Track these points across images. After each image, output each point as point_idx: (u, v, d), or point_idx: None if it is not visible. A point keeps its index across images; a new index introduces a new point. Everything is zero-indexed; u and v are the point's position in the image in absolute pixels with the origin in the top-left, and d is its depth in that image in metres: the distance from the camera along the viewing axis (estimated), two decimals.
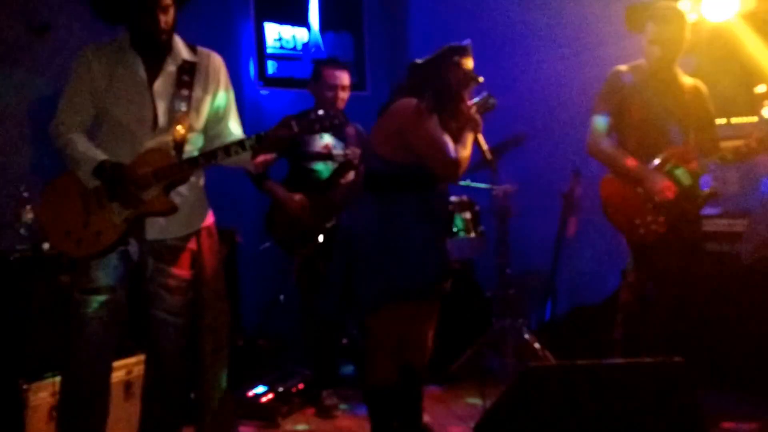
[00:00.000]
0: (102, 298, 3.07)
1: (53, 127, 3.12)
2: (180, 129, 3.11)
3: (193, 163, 3.11)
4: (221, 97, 3.28)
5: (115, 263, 3.10)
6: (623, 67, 3.85)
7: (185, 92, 3.13)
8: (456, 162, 3.30)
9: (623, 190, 3.77)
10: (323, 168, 4.52)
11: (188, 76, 3.15)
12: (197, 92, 3.18)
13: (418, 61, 3.48)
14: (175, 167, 3.07)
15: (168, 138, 3.11)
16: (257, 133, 3.09)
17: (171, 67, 3.14)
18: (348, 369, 5.03)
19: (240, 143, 3.09)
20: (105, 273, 3.08)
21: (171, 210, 3.11)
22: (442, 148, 3.27)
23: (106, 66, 3.08)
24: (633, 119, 3.76)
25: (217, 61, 3.28)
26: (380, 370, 3.49)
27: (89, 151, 3.03)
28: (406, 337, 3.50)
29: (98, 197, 3.04)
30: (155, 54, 3.12)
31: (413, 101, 3.31)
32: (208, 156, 3.11)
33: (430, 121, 3.28)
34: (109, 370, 3.21)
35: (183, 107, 3.12)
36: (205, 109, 3.23)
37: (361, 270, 3.40)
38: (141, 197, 3.03)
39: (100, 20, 3.11)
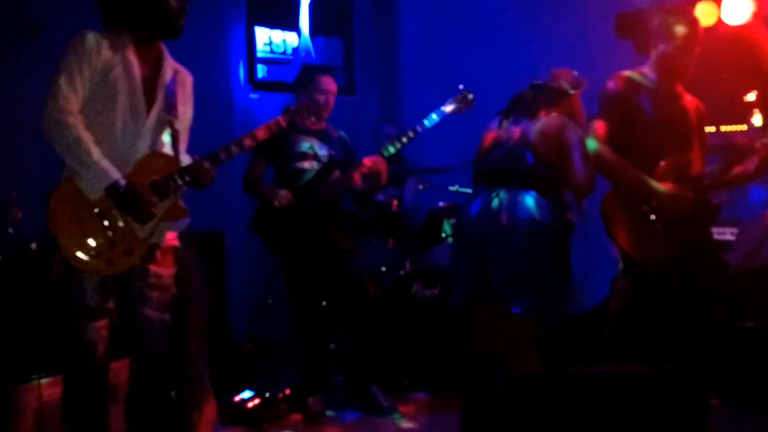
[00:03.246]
0: (101, 323, 3.04)
1: (53, 113, 2.90)
2: (173, 131, 3.12)
3: (206, 162, 3.11)
4: (188, 114, 3.30)
5: (108, 278, 3.05)
6: (630, 74, 3.73)
7: (172, 99, 3.13)
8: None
9: (628, 213, 3.63)
10: (309, 168, 4.52)
11: (177, 86, 3.18)
12: (179, 101, 3.19)
13: (564, 87, 3.84)
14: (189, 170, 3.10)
15: (165, 138, 3.12)
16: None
17: (168, 73, 3.15)
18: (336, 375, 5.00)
19: (238, 143, 3.20)
20: (101, 294, 3.03)
21: (186, 215, 3.14)
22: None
23: (105, 55, 3.00)
24: (640, 127, 3.64)
25: (191, 79, 3.32)
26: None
27: (102, 162, 2.91)
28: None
29: (116, 211, 2.97)
30: (152, 57, 3.12)
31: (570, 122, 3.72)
32: (214, 158, 3.13)
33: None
34: (107, 375, 3.16)
35: (173, 111, 3.12)
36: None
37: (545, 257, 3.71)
38: (156, 212, 3.01)
39: (96, 22, 3.07)
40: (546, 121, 3.78)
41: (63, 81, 2.93)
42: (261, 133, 3.30)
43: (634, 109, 3.65)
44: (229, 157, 3.17)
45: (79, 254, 2.93)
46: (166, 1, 3.02)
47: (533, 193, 3.73)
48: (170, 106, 3.11)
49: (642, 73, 3.72)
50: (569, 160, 3.67)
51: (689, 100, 3.76)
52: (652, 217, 3.56)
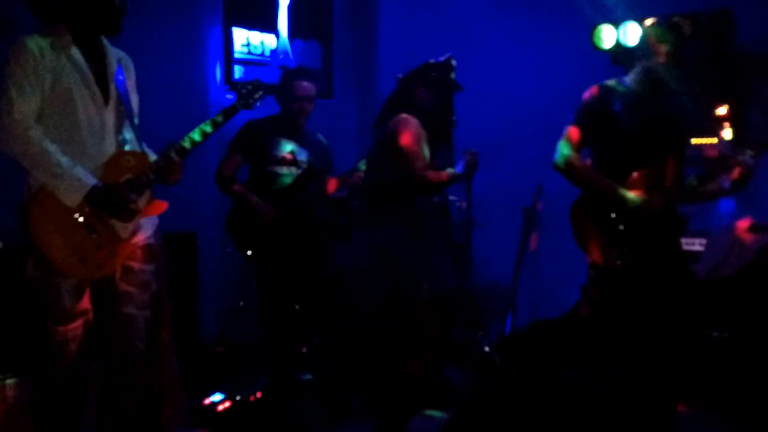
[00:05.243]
0: (76, 324, 3.02)
1: (11, 129, 2.83)
2: (132, 125, 3.10)
3: (177, 155, 3.09)
4: (137, 99, 3.27)
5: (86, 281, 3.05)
6: (609, 84, 3.69)
7: (123, 89, 3.12)
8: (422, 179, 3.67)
9: (596, 219, 3.61)
10: (287, 173, 4.52)
11: (125, 74, 3.16)
12: (130, 89, 3.19)
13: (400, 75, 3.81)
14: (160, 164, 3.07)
15: (128, 134, 3.11)
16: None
17: (113, 64, 3.11)
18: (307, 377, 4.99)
19: (200, 131, 3.15)
20: (77, 296, 3.01)
21: (164, 208, 3.14)
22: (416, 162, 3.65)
23: (50, 58, 2.93)
24: (615, 136, 3.61)
25: (132, 64, 3.28)
26: (423, 365, 3.81)
27: (75, 170, 2.89)
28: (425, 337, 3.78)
29: (97, 215, 2.95)
30: (95, 50, 3.08)
31: (402, 116, 3.69)
32: (180, 150, 3.10)
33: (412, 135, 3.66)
34: (81, 375, 3.13)
35: (128, 101, 3.12)
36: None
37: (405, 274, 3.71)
38: (138, 209, 3.02)
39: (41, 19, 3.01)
40: (389, 124, 3.80)
41: (14, 94, 2.85)
42: (220, 119, 3.23)
43: (610, 119, 3.62)
44: (194, 146, 3.13)
45: (69, 262, 2.91)
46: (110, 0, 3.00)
47: (382, 201, 3.78)
48: (123, 97, 3.10)
49: (622, 83, 3.69)
50: (404, 163, 3.71)
51: (669, 112, 3.72)
52: (621, 227, 3.57)
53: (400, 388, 3.86)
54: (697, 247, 4.69)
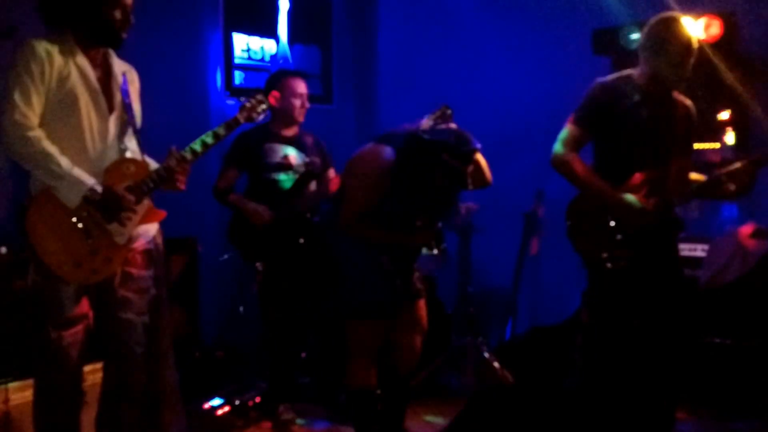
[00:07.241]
0: (77, 328, 3.02)
1: (11, 130, 2.83)
2: (136, 134, 3.10)
3: (178, 164, 3.08)
4: (139, 112, 3.26)
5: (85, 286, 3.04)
6: (609, 79, 3.65)
7: (128, 100, 3.11)
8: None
9: (591, 219, 3.59)
10: (285, 178, 4.50)
11: (129, 85, 3.16)
12: (133, 101, 3.18)
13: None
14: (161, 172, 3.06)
15: (130, 142, 3.10)
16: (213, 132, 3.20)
17: (118, 74, 3.12)
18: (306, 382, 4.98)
19: (201, 142, 3.15)
20: (77, 302, 3.01)
21: (162, 217, 3.12)
22: None
23: (58, 62, 2.93)
24: (618, 133, 3.55)
25: (138, 77, 3.28)
26: (357, 374, 3.69)
27: (74, 171, 2.88)
28: (384, 344, 3.71)
29: (94, 219, 2.94)
30: (101, 59, 3.09)
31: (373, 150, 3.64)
32: (183, 162, 3.09)
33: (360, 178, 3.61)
34: (81, 379, 3.14)
35: (131, 112, 3.11)
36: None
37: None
38: (136, 213, 3.01)
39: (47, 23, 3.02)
40: (361, 151, 3.76)
41: (17, 96, 2.85)
42: (221, 131, 3.23)
43: (612, 116, 3.55)
44: (195, 156, 3.13)
45: (64, 266, 2.91)
46: (109, 12, 2.99)
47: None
48: (128, 107, 3.10)
49: (630, 80, 3.61)
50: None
51: (679, 111, 3.65)
52: (612, 223, 3.54)
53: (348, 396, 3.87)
54: (700, 253, 4.69)
